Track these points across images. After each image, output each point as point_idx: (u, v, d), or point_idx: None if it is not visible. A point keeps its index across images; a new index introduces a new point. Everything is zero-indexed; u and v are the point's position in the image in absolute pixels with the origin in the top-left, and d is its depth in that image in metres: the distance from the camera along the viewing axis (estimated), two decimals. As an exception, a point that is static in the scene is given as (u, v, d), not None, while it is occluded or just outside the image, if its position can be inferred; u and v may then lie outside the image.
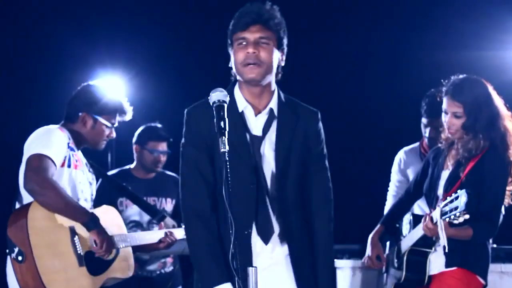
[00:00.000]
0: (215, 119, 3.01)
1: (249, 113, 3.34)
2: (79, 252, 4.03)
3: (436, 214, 3.98)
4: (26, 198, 4.03)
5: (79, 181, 4.18)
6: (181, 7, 7.02)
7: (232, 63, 3.34)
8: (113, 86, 5.87)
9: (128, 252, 4.38)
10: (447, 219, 3.88)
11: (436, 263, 4.20)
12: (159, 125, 5.66)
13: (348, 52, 6.86)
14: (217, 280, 3.20)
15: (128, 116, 4.47)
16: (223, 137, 2.93)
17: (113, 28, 6.75)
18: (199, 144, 3.30)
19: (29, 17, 6.56)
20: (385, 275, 4.64)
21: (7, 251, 3.96)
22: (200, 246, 3.27)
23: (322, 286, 3.36)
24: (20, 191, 4.09)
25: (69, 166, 4.13)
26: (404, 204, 4.58)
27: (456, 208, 3.82)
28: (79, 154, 4.27)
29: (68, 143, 4.16)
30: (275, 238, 3.33)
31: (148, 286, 5.50)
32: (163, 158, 5.56)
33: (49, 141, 4.05)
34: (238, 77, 3.34)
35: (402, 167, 5.26)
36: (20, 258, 3.87)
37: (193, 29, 7.05)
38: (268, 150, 3.30)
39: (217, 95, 3.06)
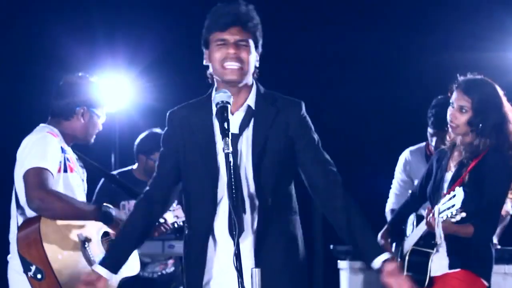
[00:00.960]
0: (218, 120, 3.05)
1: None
2: (92, 259, 4.01)
3: (435, 211, 3.99)
4: (29, 211, 3.98)
5: (76, 183, 4.14)
6: (186, 7, 6.99)
7: (207, 62, 3.34)
8: (116, 86, 5.90)
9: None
10: (445, 217, 3.89)
11: (438, 264, 4.19)
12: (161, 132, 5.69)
13: (353, 53, 6.89)
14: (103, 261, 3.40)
15: (113, 108, 4.55)
16: (227, 138, 2.96)
17: (116, 28, 6.75)
18: (170, 147, 3.40)
19: (29, 17, 6.57)
20: None
21: (22, 270, 3.89)
22: (122, 226, 3.53)
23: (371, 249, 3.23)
24: (20, 202, 4.03)
25: (65, 171, 4.07)
26: (410, 206, 4.56)
27: (453, 206, 3.84)
28: (69, 152, 4.19)
29: (61, 147, 4.10)
30: (248, 237, 3.25)
31: (150, 287, 5.53)
32: None
33: (45, 151, 3.98)
34: (215, 77, 3.34)
35: (407, 167, 5.28)
36: (39, 276, 3.83)
37: (196, 29, 7.11)
38: (244, 147, 3.25)
39: (221, 96, 3.09)
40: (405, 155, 5.32)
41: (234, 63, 3.23)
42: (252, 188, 3.25)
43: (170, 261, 5.58)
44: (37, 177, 3.90)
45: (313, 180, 3.31)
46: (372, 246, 3.24)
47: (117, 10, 6.76)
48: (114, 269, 3.41)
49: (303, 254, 3.35)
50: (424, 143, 5.26)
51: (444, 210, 3.90)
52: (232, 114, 3.25)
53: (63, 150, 4.10)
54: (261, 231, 3.23)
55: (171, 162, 3.37)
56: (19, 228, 3.96)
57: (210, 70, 3.34)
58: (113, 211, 4.08)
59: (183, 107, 3.40)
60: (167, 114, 3.41)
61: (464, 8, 6.41)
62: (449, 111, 4.19)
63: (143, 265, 5.38)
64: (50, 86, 5.24)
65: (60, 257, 3.89)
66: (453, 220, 3.88)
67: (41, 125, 4.19)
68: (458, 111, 4.14)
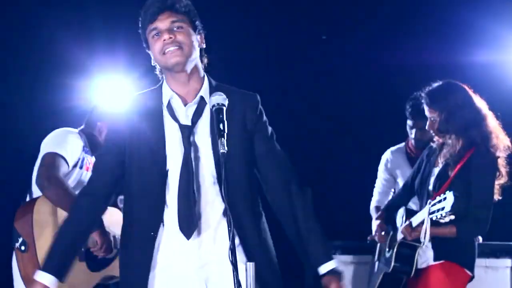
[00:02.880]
0: (215, 121, 2.96)
1: (176, 103, 3.17)
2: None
3: (424, 212, 4.13)
4: (36, 193, 4.17)
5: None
6: None
7: (153, 59, 3.20)
8: (116, 88, 5.97)
9: None
10: (434, 218, 4.04)
11: (425, 257, 4.35)
12: None
13: (338, 55, 6.88)
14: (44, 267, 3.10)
15: None
16: (222, 139, 2.88)
17: (116, 30, 6.67)
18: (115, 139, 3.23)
19: (27, 19, 6.44)
20: (377, 263, 4.79)
21: (12, 241, 4.07)
22: (64, 225, 3.23)
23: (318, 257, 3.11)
24: (32, 186, 4.22)
25: (81, 167, 4.26)
26: (402, 197, 4.69)
27: (442, 209, 3.98)
28: (93, 159, 4.35)
29: (84, 146, 4.29)
30: (205, 232, 3.09)
31: None
32: None
33: (64, 141, 4.20)
34: (163, 72, 3.21)
35: (389, 166, 5.41)
36: (23, 248, 3.99)
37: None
38: (200, 139, 3.11)
39: (216, 98, 3.01)
40: (386, 155, 5.46)
41: (171, 47, 3.09)
42: (214, 178, 3.10)
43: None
44: (51, 160, 4.11)
45: (265, 174, 3.19)
46: (322, 251, 3.12)
47: (117, 11, 6.60)
48: (60, 275, 3.09)
49: (272, 246, 3.20)
50: (403, 144, 5.40)
51: (434, 212, 4.04)
52: (185, 105, 3.16)
53: (85, 150, 4.30)
54: (228, 223, 2.91)
55: (115, 156, 3.17)
56: (21, 204, 4.17)
57: (157, 65, 3.21)
58: (104, 219, 4.12)
59: (134, 96, 3.25)
60: (119, 102, 3.34)
61: (456, 12, 6.46)
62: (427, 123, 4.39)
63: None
64: (50, 89, 5.32)
65: (45, 235, 4.02)
66: (442, 221, 4.02)
67: (70, 128, 4.41)
68: (430, 121, 4.35)
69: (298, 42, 6.81)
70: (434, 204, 4.06)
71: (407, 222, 4.30)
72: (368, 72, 6.87)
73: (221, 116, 2.96)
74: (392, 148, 5.47)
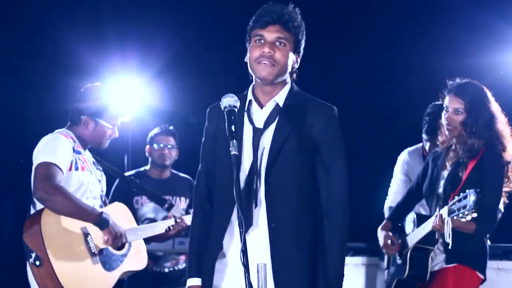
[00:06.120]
0: (226, 123, 3.02)
1: (254, 106, 3.29)
2: (93, 250, 4.15)
3: (444, 212, 4.11)
4: (39, 204, 4.14)
5: (87, 181, 4.27)
6: (199, 8, 6.95)
7: (247, 59, 3.29)
8: (128, 90, 5.94)
9: (141, 245, 4.49)
10: (455, 217, 4.02)
11: (437, 260, 4.35)
12: (170, 127, 5.82)
13: (353, 56, 6.88)
14: (189, 274, 3.31)
15: (128, 117, 4.51)
16: (234, 141, 2.95)
17: (128, 31, 6.63)
18: (209, 142, 3.36)
19: (39, 23, 6.50)
20: (386, 271, 4.76)
21: (25, 256, 4.07)
22: (192, 236, 3.38)
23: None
24: (34, 198, 4.18)
25: (76, 169, 4.22)
26: (407, 204, 4.67)
27: (464, 207, 3.96)
28: (86, 155, 4.35)
29: (74, 147, 4.24)
30: (260, 229, 3.18)
31: (161, 281, 5.61)
32: (168, 151, 5.70)
33: (54, 149, 4.14)
34: (252, 74, 3.30)
35: (405, 167, 5.37)
36: (38, 262, 3.99)
37: (210, 30, 6.98)
38: (267, 141, 3.20)
39: (228, 100, 3.07)
40: (403, 155, 5.42)
41: (266, 61, 3.19)
42: (263, 184, 3.18)
43: (182, 257, 5.64)
44: (45, 170, 4.06)
45: (318, 191, 3.21)
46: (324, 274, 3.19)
47: (128, 12, 6.65)
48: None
49: (314, 250, 3.23)
50: (421, 144, 5.36)
51: (455, 211, 4.02)
52: (261, 108, 3.28)
53: (75, 151, 4.25)
54: (273, 226, 3.15)
55: (212, 158, 3.31)
56: (26, 219, 4.14)
57: (248, 66, 3.29)
58: (110, 220, 4.18)
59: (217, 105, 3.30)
60: (207, 110, 3.38)
61: (460, 15, 6.46)
62: (444, 115, 4.34)
63: (155, 260, 5.54)
64: (63, 92, 5.32)
65: (57, 246, 4.04)
66: (463, 220, 4.00)
67: (57, 130, 4.34)
68: (453, 113, 4.29)
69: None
70: (454, 204, 4.04)
71: (438, 216, 4.19)
72: (379, 71, 6.89)
73: (232, 118, 3.03)
74: (409, 149, 5.44)
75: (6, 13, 6.46)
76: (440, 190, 4.35)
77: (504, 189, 4.25)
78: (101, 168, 4.50)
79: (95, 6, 6.68)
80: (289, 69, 3.27)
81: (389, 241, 4.55)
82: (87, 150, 4.42)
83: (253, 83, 3.32)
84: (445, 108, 4.35)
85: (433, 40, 6.67)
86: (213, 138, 3.31)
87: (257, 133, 3.22)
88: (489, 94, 4.34)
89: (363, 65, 6.89)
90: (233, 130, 2.99)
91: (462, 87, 4.33)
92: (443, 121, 4.36)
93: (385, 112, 6.92)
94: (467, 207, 3.94)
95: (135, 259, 4.44)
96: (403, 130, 5.88)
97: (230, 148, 2.95)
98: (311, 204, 3.23)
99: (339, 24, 6.92)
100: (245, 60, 3.31)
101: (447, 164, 4.39)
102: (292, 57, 3.25)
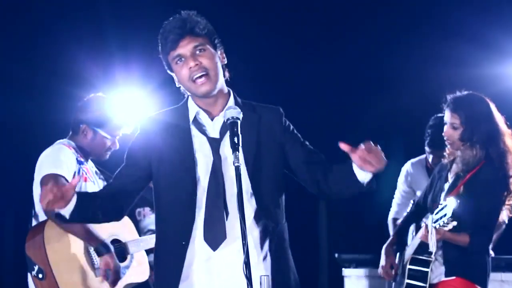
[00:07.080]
0: (229, 135, 3.00)
1: (203, 118, 3.25)
2: (95, 264, 4.15)
3: (429, 221, 4.11)
4: (41, 213, 4.14)
5: (92, 191, 4.22)
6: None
7: (178, 82, 3.27)
8: (131, 101, 5.97)
9: (143, 256, 4.49)
10: (437, 226, 4.02)
11: (436, 272, 4.31)
12: None
13: (355, 61, 6.90)
14: None
15: (130, 129, 4.45)
16: (237, 152, 2.93)
17: (131, 43, 6.67)
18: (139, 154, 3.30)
19: (42, 33, 6.50)
20: (393, 283, 4.71)
21: (28, 269, 4.07)
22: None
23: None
24: (36, 209, 4.18)
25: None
26: (414, 216, 4.65)
27: (444, 215, 3.97)
28: (88, 165, 4.35)
29: (77, 158, 4.23)
30: (231, 243, 3.13)
31: None
32: None
33: (59, 160, 4.12)
34: (188, 93, 3.28)
35: (408, 179, 5.40)
36: (40, 275, 3.98)
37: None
38: (228, 150, 3.09)
39: (231, 112, 3.05)
40: (406, 167, 5.45)
41: (199, 73, 3.15)
42: (248, 192, 3.15)
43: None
44: (52, 181, 3.96)
45: (314, 171, 3.23)
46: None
47: (132, 23, 6.62)
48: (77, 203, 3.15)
49: (291, 258, 3.27)
50: (424, 155, 5.37)
51: (437, 220, 4.03)
52: (212, 120, 3.24)
53: (78, 161, 4.24)
54: (256, 236, 3.15)
55: (140, 168, 3.25)
56: (29, 231, 4.13)
57: (182, 88, 3.28)
58: (112, 248, 4.14)
59: (158, 114, 3.32)
60: (142, 120, 3.33)
61: (461, 26, 6.47)
62: (445, 128, 4.36)
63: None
64: (65, 103, 5.32)
65: (61, 259, 4.02)
66: (446, 228, 4.01)
67: (58, 140, 4.34)
68: (450, 128, 4.31)
69: (307, 47, 6.85)
70: (437, 213, 4.05)
71: (424, 226, 4.21)
72: (382, 82, 6.90)
73: (235, 130, 3.00)
74: (413, 160, 5.46)
75: (8, 23, 6.47)
76: (441, 202, 4.30)
77: (509, 202, 4.22)
78: (103, 178, 4.48)
79: (98, 17, 6.68)
80: (221, 69, 3.24)
81: (388, 266, 4.53)
82: (89, 160, 4.40)
83: (189, 96, 3.30)
84: (445, 122, 4.36)
85: (436, 51, 6.66)
86: (148, 149, 3.23)
87: (214, 143, 3.20)
88: (491, 105, 4.32)
89: (366, 76, 6.91)
90: (236, 142, 2.96)
91: (459, 101, 4.32)
92: (443, 134, 4.37)
93: (387, 123, 6.93)
94: (446, 215, 3.95)
95: (138, 270, 4.43)
96: (407, 144, 5.86)
97: (233, 160, 2.93)
98: (282, 205, 3.26)
99: (340, 35, 6.93)
100: (177, 86, 3.30)
101: (449, 176, 4.39)
102: (216, 54, 3.23)
